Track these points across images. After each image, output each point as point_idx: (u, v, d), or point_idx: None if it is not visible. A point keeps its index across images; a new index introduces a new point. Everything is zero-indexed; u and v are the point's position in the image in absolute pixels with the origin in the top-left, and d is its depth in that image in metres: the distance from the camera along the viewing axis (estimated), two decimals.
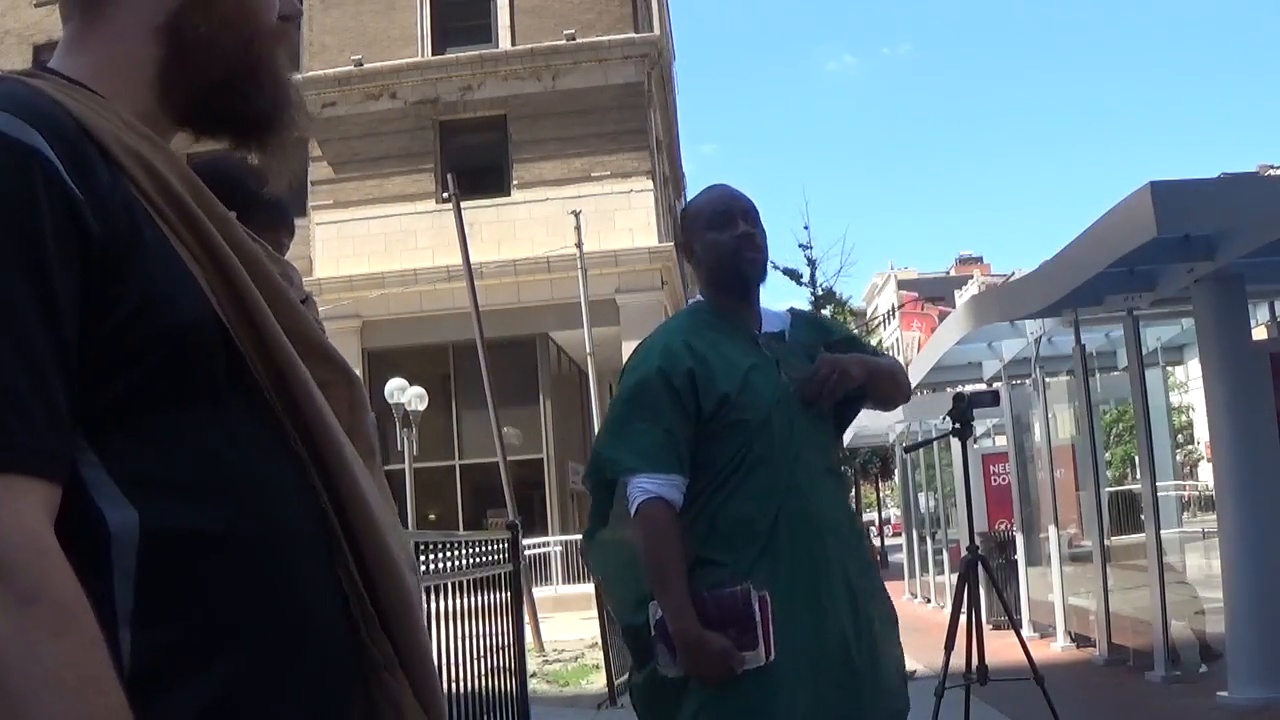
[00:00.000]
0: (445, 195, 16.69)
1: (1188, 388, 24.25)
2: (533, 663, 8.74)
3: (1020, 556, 10.85)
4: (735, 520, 2.34)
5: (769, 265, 2.61)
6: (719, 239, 2.50)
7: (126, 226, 0.92)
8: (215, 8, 1.05)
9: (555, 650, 11.49)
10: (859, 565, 2.47)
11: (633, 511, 2.34)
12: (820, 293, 26.58)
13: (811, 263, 26.59)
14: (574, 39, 21.09)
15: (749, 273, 2.51)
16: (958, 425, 5.22)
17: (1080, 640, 9.32)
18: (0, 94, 0.92)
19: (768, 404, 2.39)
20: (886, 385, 2.63)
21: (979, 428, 12.84)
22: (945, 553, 14.26)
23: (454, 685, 4.42)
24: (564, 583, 18.30)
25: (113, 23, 1.04)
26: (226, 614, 0.92)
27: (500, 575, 5.32)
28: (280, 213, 2.12)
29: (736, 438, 2.36)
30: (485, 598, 5.03)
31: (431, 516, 19.67)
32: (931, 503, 16.26)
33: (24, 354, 0.85)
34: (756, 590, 2.27)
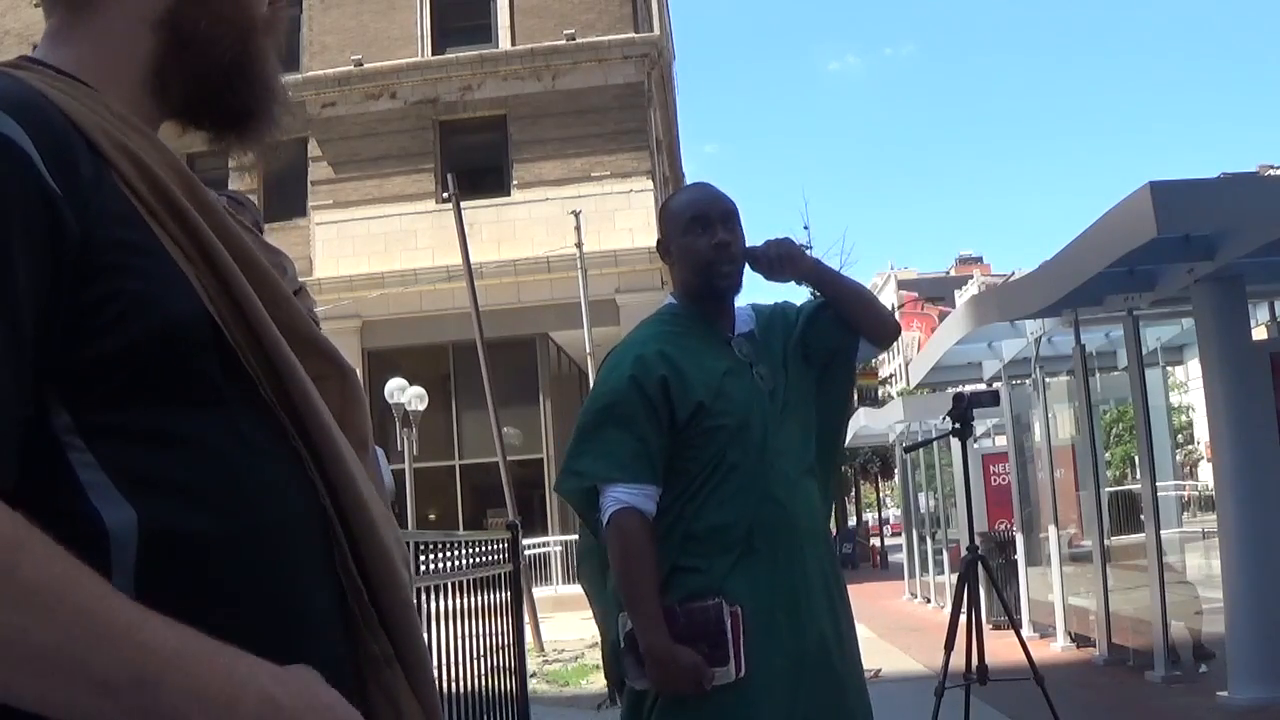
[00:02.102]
0: (445, 195, 16.68)
1: (1188, 388, 24.27)
2: (533, 663, 8.74)
3: (1020, 556, 10.84)
4: (711, 527, 2.30)
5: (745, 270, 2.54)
6: (695, 246, 2.44)
7: (111, 223, 0.90)
8: (211, 2, 1.04)
9: (555, 650, 11.49)
10: (834, 565, 2.46)
11: (605, 521, 2.30)
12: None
13: None
14: (574, 39, 21.07)
15: (722, 286, 2.47)
16: (958, 425, 5.24)
17: (1080, 640, 9.31)
18: None
19: (743, 409, 2.36)
20: (854, 304, 2.62)
21: (979, 428, 12.83)
22: (945, 553, 14.26)
23: (454, 685, 4.41)
24: (564, 583, 18.27)
25: (103, 16, 1.03)
26: (227, 612, 0.90)
27: (500, 575, 5.31)
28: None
29: (711, 444, 2.33)
30: (485, 598, 5.02)
31: (431, 516, 19.65)
32: (931, 503, 16.25)
33: None
34: (729, 604, 2.23)
